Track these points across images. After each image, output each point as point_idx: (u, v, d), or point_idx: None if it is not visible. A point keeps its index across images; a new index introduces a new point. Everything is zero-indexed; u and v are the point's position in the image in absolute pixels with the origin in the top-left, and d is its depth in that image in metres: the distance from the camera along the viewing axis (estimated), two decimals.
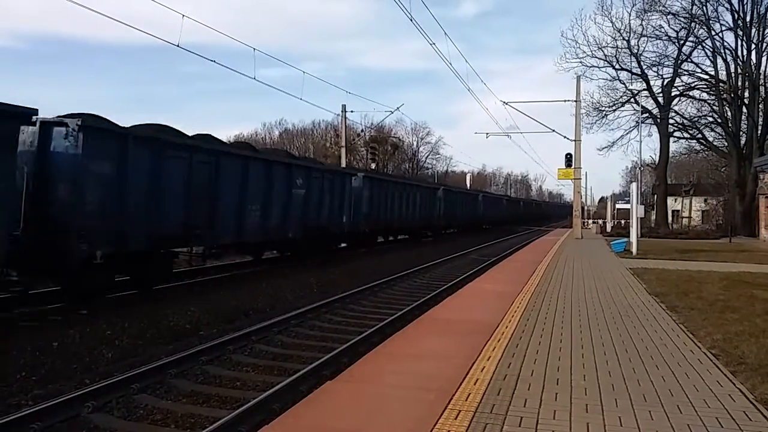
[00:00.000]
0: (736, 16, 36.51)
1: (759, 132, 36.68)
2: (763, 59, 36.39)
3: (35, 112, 8.40)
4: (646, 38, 39.11)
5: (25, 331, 8.35)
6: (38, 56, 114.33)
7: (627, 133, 41.48)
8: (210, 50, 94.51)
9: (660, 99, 40.67)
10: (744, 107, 37.37)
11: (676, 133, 42.46)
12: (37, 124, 9.12)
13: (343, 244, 22.78)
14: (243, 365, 7.47)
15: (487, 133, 36.30)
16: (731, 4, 36.31)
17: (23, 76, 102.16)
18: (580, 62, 40.00)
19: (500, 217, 55.39)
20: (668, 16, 37.70)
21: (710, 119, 40.39)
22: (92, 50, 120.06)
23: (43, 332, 8.25)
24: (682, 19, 37.47)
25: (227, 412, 5.45)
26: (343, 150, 37.87)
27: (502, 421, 4.06)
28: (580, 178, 33.68)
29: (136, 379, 6.34)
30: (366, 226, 22.99)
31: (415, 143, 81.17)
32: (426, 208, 31.52)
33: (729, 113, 38.56)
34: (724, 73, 38.17)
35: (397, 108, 38.93)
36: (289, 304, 11.57)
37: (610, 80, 41.91)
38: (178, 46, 14.50)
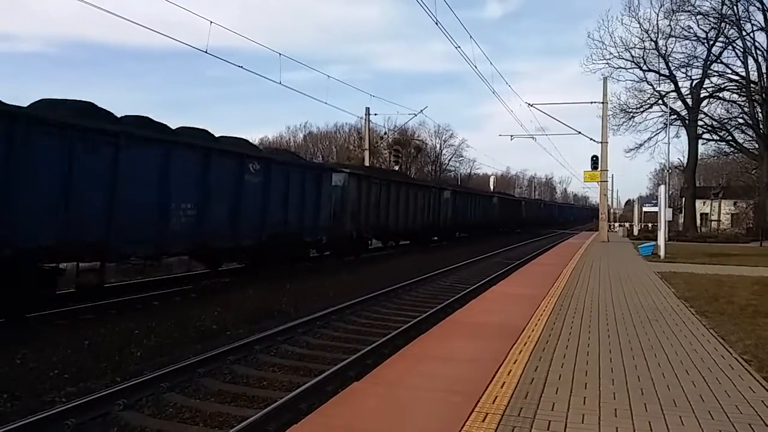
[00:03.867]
0: (767, 15, 35.77)
1: None
2: None
3: None
4: (674, 39, 38.51)
5: (57, 329, 8.55)
6: (68, 61, 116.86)
7: (654, 135, 40.89)
8: (237, 55, 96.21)
9: (688, 100, 40.00)
10: None
11: (705, 135, 41.75)
12: None
13: (326, 252, 19.52)
14: (269, 365, 7.55)
15: (511, 136, 35.60)
16: (763, 4, 35.49)
17: (53, 81, 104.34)
18: (607, 63, 39.58)
19: (519, 221, 53.40)
20: (697, 17, 37.00)
21: (740, 121, 39.57)
22: (122, 56, 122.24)
23: (75, 331, 8.46)
24: (712, 20, 36.74)
25: (255, 412, 5.51)
26: (367, 152, 38.07)
27: (530, 425, 4.04)
28: (607, 181, 33.28)
29: (165, 377, 6.44)
30: (353, 231, 20.37)
31: (438, 146, 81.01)
32: (430, 211, 29.05)
33: (760, 114, 37.71)
34: (755, 73, 37.37)
35: (421, 111, 38.77)
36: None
37: (638, 81, 41.38)
38: (206, 52, 14.78)
